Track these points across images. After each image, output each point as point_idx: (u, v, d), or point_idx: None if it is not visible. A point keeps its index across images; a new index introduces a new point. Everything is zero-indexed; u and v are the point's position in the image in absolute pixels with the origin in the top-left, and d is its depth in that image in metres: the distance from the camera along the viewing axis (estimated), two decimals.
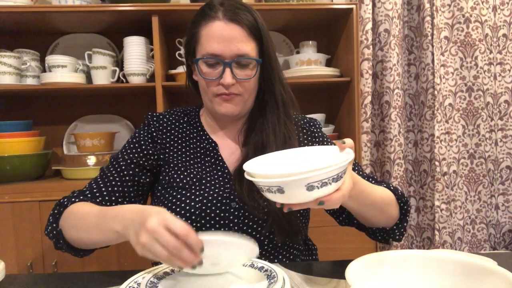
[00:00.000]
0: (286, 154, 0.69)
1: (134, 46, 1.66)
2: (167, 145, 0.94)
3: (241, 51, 0.83)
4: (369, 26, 1.83)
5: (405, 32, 1.96)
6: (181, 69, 1.70)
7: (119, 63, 1.84)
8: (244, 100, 0.89)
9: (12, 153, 1.56)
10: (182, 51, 1.74)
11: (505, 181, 1.99)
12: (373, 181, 0.90)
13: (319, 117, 1.81)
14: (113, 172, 0.90)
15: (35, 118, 1.82)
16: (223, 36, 0.83)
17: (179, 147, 0.93)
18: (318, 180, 0.53)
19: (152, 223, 0.57)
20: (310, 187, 0.53)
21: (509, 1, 1.95)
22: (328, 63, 1.86)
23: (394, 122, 1.88)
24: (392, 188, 0.87)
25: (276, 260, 0.88)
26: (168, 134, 0.95)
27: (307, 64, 1.74)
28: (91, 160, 1.63)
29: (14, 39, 1.82)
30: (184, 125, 0.97)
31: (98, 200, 0.87)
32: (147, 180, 0.92)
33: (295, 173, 0.52)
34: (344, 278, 0.53)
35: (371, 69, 1.87)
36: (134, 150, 0.93)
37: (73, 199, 0.85)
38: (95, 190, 0.88)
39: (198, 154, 0.92)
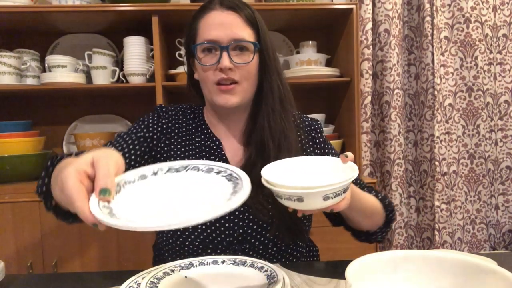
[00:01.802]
0: (294, 162, 0.75)
1: (134, 46, 1.66)
2: (172, 140, 0.92)
3: (237, 36, 0.84)
4: (369, 26, 1.83)
5: (405, 32, 1.96)
6: (181, 69, 1.70)
7: (119, 63, 1.84)
8: (243, 90, 0.87)
9: (12, 153, 1.56)
10: (182, 51, 1.74)
11: (505, 181, 1.99)
12: (365, 188, 0.95)
13: (319, 117, 1.81)
14: (120, 140, 0.89)
15: (35, 118, 1.82)
16: (219, 22, 0.84)
17: (183, 143, 0.93)
18: (333, 192, 0.63)
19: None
20: (326, 197, 0.63)
21: (509, 1, 1.95)
22: (328, 63, 1.86)
23: (394, 122, 1.88)
24: (380, 197, 0.92)
25: (279, 263, 0.88)
26: (176, 131, 0.94)
27: (307, 64, 1.74)
28: None
29: (14, 39, 1.82)
30: (189, 121, 0.96)
31: None
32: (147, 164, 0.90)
33: (315, 186, 0.62)
34: (344, 278, 0.53)
35: (371, 69, 1.87)
36: (143, 133, 0.91)
37: (69, 154, 0.78)
38: None
39: (203, 153, 0.91)
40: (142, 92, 1.79)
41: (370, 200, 0.87)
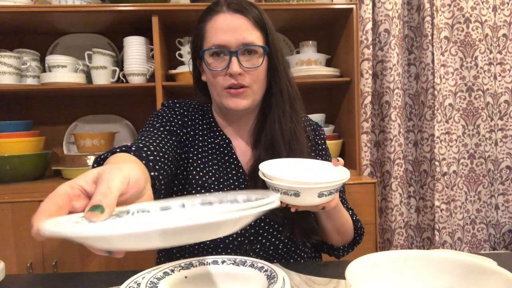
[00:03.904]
0: (289, 162, 0.79)
1: (134, 46, 1.66)
2: (188, 136, 0.91)
3: (246, 40, 0.82)
4: (369, 26, 1.83)
5: (405, 32, 1.96)
6: (181, 69, 1.70)
7: (119, 63, 1.84)
8: (253, 93, 0.86)
9: (12, 153, 1.56)
10: (182, 51, 1.74)
11: (505, 181, 1.99)
12: (344, 206, 0.97)
13: (319, 117, 1.81)
14: (153, 132, 0.82)
15: (35, 118, 1.82)
16: (228, 26, 0.82)
17: (197, 141, 0.91)
18: (328, 190, 0.67)
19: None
20: (320, 194, 0.66)
21: (509, 1, 1.95)
22: (328, 63, 1.86)
23: (394, 122, 1.88)
24: (354, 218, 0.95)
25: (288, 263, 0.88)
26: (192, 127, 0.92)
27: (307, 64, 1.74)
28: (91, 160, 1.63)
29: (14, 39, 1.82)
30: (200, 118, 0.95)
31: (145, 154, 0.70)
32: (179, 162, 0.86)
33: (313, 182, 0.66)
34: (344, 278, 0.53)
35: (371, 69, 1.87)
36: (169, 127, 0.87)
37: (113, 150, 0.68)
38: (141, 145, 0.73)
39: (213, 151, 0.90)
40: (142, 92, 1.79)
41: (347, 217, 0.91)
